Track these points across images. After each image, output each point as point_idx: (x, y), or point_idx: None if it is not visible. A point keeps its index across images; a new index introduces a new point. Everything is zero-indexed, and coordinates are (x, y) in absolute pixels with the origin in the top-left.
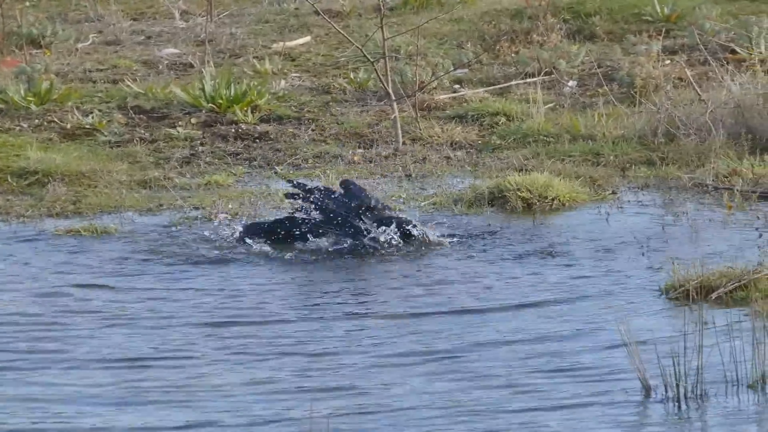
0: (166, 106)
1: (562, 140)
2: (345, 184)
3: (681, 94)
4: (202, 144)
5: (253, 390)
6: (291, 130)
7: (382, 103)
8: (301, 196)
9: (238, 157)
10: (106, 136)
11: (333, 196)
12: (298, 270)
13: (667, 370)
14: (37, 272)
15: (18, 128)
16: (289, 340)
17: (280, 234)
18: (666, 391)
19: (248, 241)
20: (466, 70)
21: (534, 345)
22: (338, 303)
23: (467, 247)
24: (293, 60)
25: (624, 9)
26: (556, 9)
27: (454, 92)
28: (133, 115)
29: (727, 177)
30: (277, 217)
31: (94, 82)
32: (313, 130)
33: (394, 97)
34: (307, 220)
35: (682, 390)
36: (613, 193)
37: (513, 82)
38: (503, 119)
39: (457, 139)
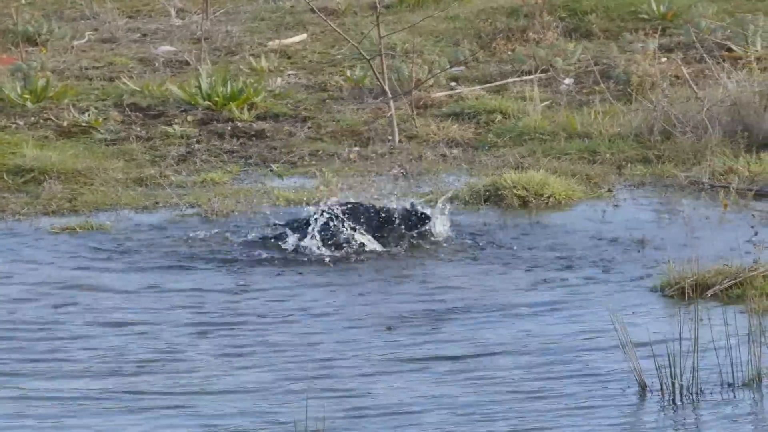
0: (162, 103)
1: (558, 138)
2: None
3: (677, 92)
4: (198, 142)
5: (254, 395)
6: (287, 127)
7: (379, 100)
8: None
9: (234, 154)
10: (102, 133)
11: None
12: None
13: (663, 368)
14: (33, 269)
15: (14, 126)
16: (293, 344)
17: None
18: (662, 389)
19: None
20: (462, 67)
21: (528, 343)
22: (342, 306)
23: (462, 247)
24: (289, 58)
25: (620, 7)
26: (553, 7)
27: (451, 90)
28: (129, 113)
29: (723, 175)
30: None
31: (90, 79)
32: (309, 128)
33: (390, 95)
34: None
35: (678, 388)
36: (609, 190)
37: (509, 80)
38: (499, 117)
39: (454, 137)
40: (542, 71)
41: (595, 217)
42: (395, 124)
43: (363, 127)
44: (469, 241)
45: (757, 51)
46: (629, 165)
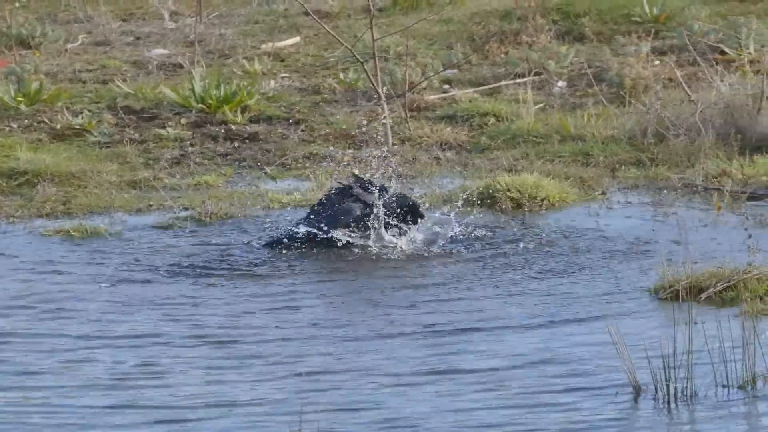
0: (155, 106)
1: (551, 141)
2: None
3: (670, 95)
4: (191, 144)
5: (258, 409)
6: (280, 130)
7: (372, 103)
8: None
9: (228, 157)
10: (95, 136)
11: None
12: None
13: (658, 370)
14: (25, 273)
15: (8, 129)
16: (293, 357)
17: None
18: (656, 392)
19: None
20: (455, 70)
21: (523, 346)
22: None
23: (456, 250)
24: (283, 60)
25: (613, 10)
26: (546, 10)
27: (444, 93)
28: (123, 116)
29: (716, 177)
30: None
31: (84, 82)
32: (302, 131)
33: (383, 98)
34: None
35: (672, 390)
36: (603, 193)
37: (502, 83)
38: (493, 120)
39: (447, 140)
40: (535, 74)
41: (588, 220)
42: (389, 126)
43: (356, 130)
44: (460, 245)
45: (750, 54)
46: (623, 168)
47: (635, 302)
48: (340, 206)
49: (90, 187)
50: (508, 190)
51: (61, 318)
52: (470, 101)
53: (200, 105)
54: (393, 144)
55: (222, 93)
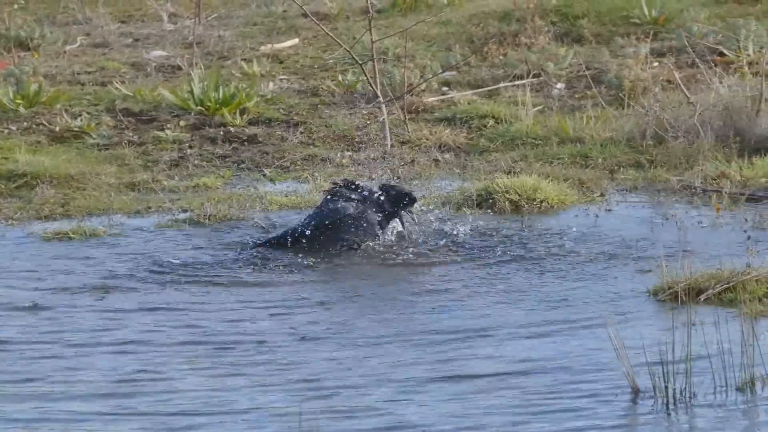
0: (154, 108)
1: (550, 143)
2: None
3: (669, 97)
4: (190, 146)
5: (263, 414)
6: (279, 132)
7: (371, 105)
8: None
9: (227, 159)
10: (94, 138)
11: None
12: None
13: (656, 372)
14: (24, 275)
15: (6, 131)
16: (316, 358)
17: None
18: (655, 394)
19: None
20: (454, 72)
21: (519, 347)
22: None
23: (454, 252)
24: (281, 62)
25: (612, 12)
26: (544, 11)
27: (443, 95)
28: (122, 118)
29: (715, 179)
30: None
31: (83, 84)
32: (301, 133)
33: (382, 100)
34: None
35: (671, 392)
36: (602, 195)
37: (501, 85)
38: (491, 122)
39: (446, 142)
40: (534, 76)
41: (587, 222)
42: (387, 128)
43: (355, 131)
44: (459, 247)
45: (748, 55)
46: (621, 169)
47: (634, 304)
48: (328, 206)
49: (89, 189)
50: (507, 192)
51: (57, 322)
52: (469, 103)
53: (199, 107)
54: (392, 146)
55: (221, 95)
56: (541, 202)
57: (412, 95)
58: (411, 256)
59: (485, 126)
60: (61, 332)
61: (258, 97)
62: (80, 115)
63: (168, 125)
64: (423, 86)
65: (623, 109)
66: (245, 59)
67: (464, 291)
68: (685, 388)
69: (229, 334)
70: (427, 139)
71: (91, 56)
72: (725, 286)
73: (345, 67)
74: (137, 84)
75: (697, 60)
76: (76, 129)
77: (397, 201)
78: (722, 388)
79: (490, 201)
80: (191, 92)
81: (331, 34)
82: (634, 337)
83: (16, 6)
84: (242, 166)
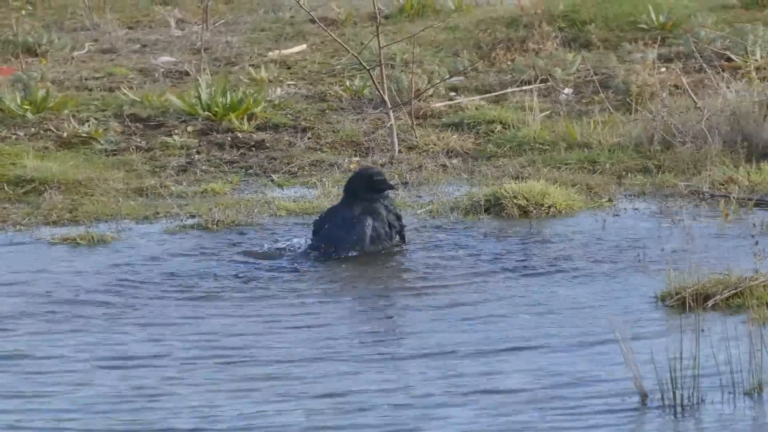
0: (162, 114)
1: (558, 148)
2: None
3: (677, 102)
4: (198, 152)
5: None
6: (287, 138)
7: (378, 111)
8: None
9: (234, 165)
10: (102, 144)
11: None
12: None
13: (664, 378)
14: (32, 281)
15: (14, 137)
16: (331, 373)
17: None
18: (663, 399)
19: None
20: (461, 77)
21: (529, 353)
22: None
23: (462, 256)
24: (289, 68)
25: (619, 17)
26: (552, 17)
27: (450, 100)
28: (130, 124)
29: (723, 184)
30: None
31: (90, 90)
32: (309, 138)
33: (390, 105)
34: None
35: (678, 398)
36: (610, 200)
37: (509, 90)
38: (499, 127)
39: (453, 147)
40: (542, 81)
41: (595, 227)
42: (395, 134)
43: (363, 137)
44: (467, 252)
45: (756, 61)
46: (629, 175)
47: (642, 309)
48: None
49: (96, 195)
50: (515, 198)
51: (59, 334)
52: (476, 108)
53: (206, 113)
54: (399, 151)
55: (228, 100)
56: (549, 207)
57: (419, 101)
58: (422, 267)
59: (493, 131)
60: (62, 343)
61: (266, 103)
62: (88, 121)
63: (176, 131)
64: (430, 92)
65: (631, 114)
66: (253, 65)
67: (469, 291)
68: (692, 393)
69: (239, 347)
70: (435, 145)
71: (98, 62)
72: (733, 291)
73: (352, 72)
74: (145, 90)
75: (704, 65)
76: (84, 135)
77: (372, 187)
78: (730, 394)
79: (498, 206)
80: (199, 98)
81: (338, 40)
82: (641, 343)
83: (23, 12)
84: (250, 171)
